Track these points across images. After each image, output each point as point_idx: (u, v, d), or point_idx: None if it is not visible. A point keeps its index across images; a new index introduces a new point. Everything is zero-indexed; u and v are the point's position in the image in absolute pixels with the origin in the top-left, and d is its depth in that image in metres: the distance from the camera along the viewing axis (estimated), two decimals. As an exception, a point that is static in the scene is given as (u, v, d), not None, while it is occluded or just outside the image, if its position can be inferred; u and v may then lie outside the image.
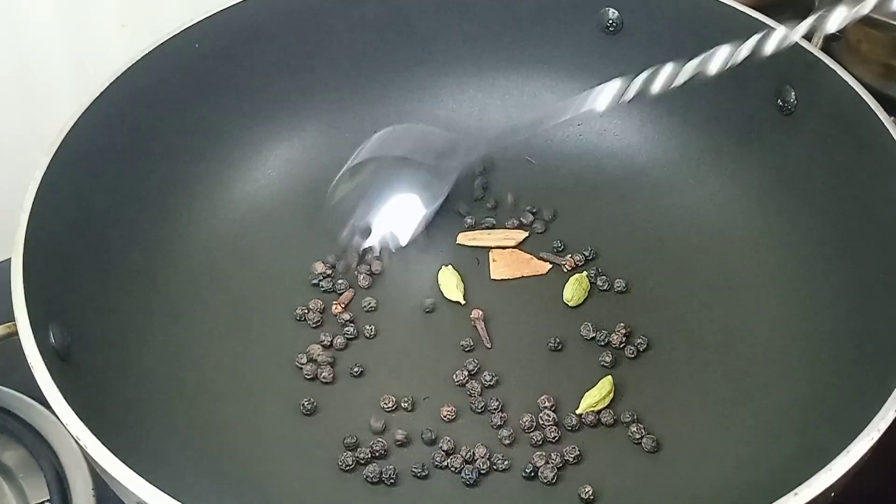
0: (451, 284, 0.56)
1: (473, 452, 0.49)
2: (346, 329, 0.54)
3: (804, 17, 0.56)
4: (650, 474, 0.48)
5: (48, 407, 0.41)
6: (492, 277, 0.57)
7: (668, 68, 0.51)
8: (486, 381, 0.52)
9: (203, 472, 0.47)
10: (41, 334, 0.43)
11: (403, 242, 0.58)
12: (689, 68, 0.51)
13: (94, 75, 0.53)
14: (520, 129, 0.59)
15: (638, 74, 0.52)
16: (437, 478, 0.49)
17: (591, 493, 0.47)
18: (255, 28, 0.59)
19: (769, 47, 0.50)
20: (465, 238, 0.59)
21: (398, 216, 0.59)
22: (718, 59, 0.50)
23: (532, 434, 0.49)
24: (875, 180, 0.50)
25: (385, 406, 0.51)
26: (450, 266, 0.57)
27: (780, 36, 0.50)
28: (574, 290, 0.55)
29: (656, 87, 0.52)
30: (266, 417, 0.51)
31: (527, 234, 0.59)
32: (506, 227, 0.60)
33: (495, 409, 0.50)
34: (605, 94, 0.53)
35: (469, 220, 0.60)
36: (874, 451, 0.39)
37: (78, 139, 0.51)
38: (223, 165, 0.60)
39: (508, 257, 0.58)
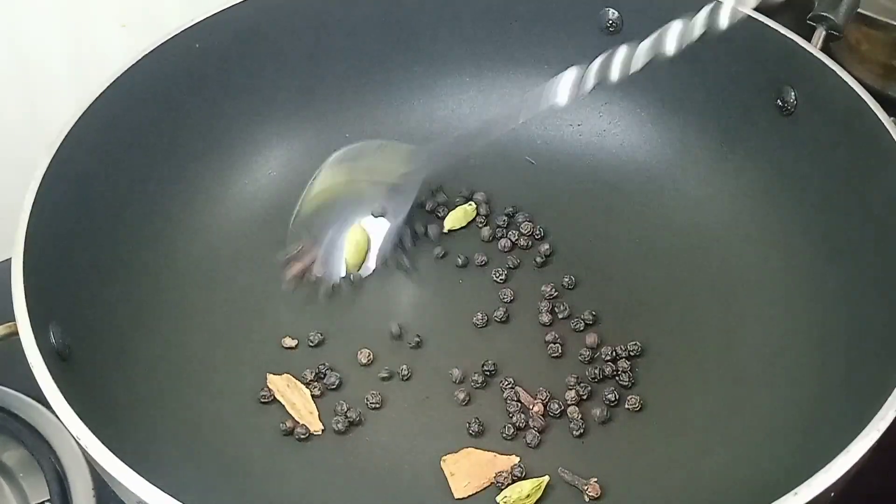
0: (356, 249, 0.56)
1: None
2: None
3: (804, 18, 0.56)
4: (648, 474, 0.48)
5: (48, 407, 0.41)
6: (456, 497, 0.47)
7: (622, 51, 0.49)
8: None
9: (203, 472, 0.47)
10: (41, 334, 0.43)
11: (372, 266, 0.57)
12: (644, 49, 0.49)
13: (95, 75, 0.53)
14: (475, 136, 0.56)
15: (592, 62, 0.50)
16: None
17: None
18: (256, 28, 0.59)
19: (723, 20, 0.48)
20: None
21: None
22: (673, 36, 0.48)
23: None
24: (875, 180, 0.50)
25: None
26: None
27: (730, 7, 0.48)
28: None
29: (614, 73, 0.49)
30: (267, 417, 0.51)
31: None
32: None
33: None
34: (562, 86, 0.50)
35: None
36: (874, 451, 0.39)
37: (78, 139, 0.51)
38: (223, 165, 0.60)
39: (466, 463, 0.48)
